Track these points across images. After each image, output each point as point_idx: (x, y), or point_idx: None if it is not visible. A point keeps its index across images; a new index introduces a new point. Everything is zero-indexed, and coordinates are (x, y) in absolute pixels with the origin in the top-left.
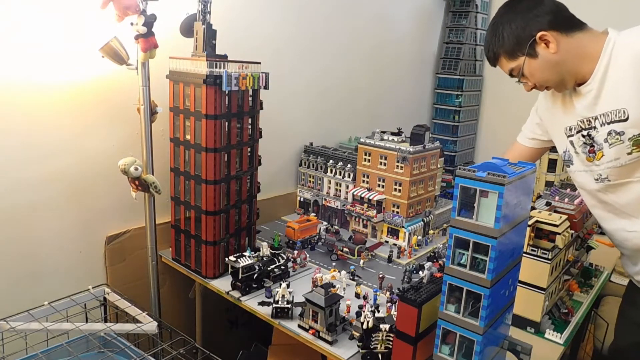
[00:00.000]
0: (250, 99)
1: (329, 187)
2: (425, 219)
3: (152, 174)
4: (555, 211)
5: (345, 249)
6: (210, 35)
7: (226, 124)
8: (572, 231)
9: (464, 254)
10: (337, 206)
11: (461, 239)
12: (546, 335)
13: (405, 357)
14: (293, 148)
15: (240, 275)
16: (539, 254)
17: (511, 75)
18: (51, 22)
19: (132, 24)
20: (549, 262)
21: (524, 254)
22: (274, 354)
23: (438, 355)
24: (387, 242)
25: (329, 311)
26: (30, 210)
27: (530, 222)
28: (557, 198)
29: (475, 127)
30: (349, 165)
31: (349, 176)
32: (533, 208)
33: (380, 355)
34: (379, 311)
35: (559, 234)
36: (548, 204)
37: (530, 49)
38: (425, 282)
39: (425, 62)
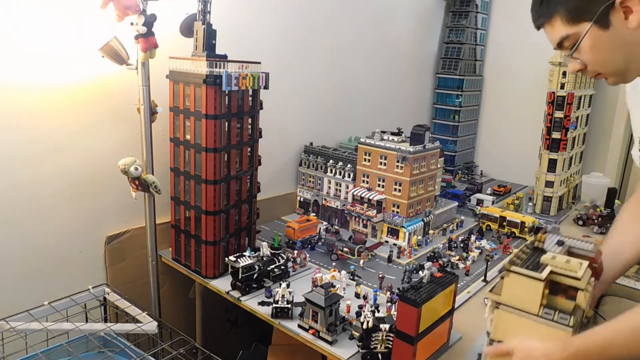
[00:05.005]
0: (250, 98)
1: (329, 187)
2: (425, 219)
3: (152, 174)
4: (570, 253)
5: (345, 249)
6: (210, 35)
7: (226, 124)
8: (593, 279)
9: None
10: (337, 206)
11: None
12: None
13: (405, 357)
14: (293, 148)
15: (240, 275)
16: (555, 318)
17: (559, 46)
18: (51, 22)
19: (132, 24)
20: (570, 328)
21: (534, 318)
22: (274, 354)
23: None
24: (387, 242)
25: (329, 311)
26: (30, 210)
27: (544, 275)
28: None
29: (475, 127)
30: (349, 165)
31: (349, 176)
32: (543, 251)
33: (380, 355)
34: (379, 311)
35: (582, 289)
36: (560, 242)
37: (602, 14)
38: (425, 282)
39: (425, 62)
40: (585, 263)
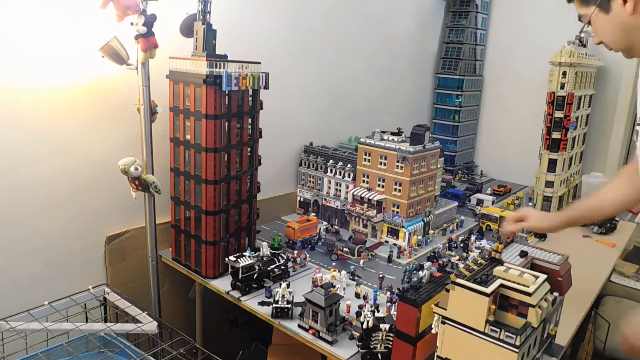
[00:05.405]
0: (250, 99)
1: (329, 187)
2: (425, 219)
3: (152, 174)
4: (533, 266)
5: (345, 249)
6: (210, 35)
7: (226, 124)
8: (556, 294)
9: None
10: (337, 206)
11: None
12: None
13: (405, 357)
14: (293, 148)
15: (240, 275)
16: (502, 336)
17: (580, 20)
18: (51, 22)
19: (132, 24)
20: (516, 350)
21: (479, 335)
22: (274, 354)
23: None
24: (387, 242)
25: (329, 311)
26: (30, 210)
27: (490, 289)
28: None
29: (475, 127)
30: (349, 165)
31: (349, 176)
32: (500, 262)
33: (380, 355)
34: (378, 311)
35: (534, 306)
36: (524, 254)
37: (604, 0)
38: (425, 282)
39: (425, 62)
40: (542, 277)
